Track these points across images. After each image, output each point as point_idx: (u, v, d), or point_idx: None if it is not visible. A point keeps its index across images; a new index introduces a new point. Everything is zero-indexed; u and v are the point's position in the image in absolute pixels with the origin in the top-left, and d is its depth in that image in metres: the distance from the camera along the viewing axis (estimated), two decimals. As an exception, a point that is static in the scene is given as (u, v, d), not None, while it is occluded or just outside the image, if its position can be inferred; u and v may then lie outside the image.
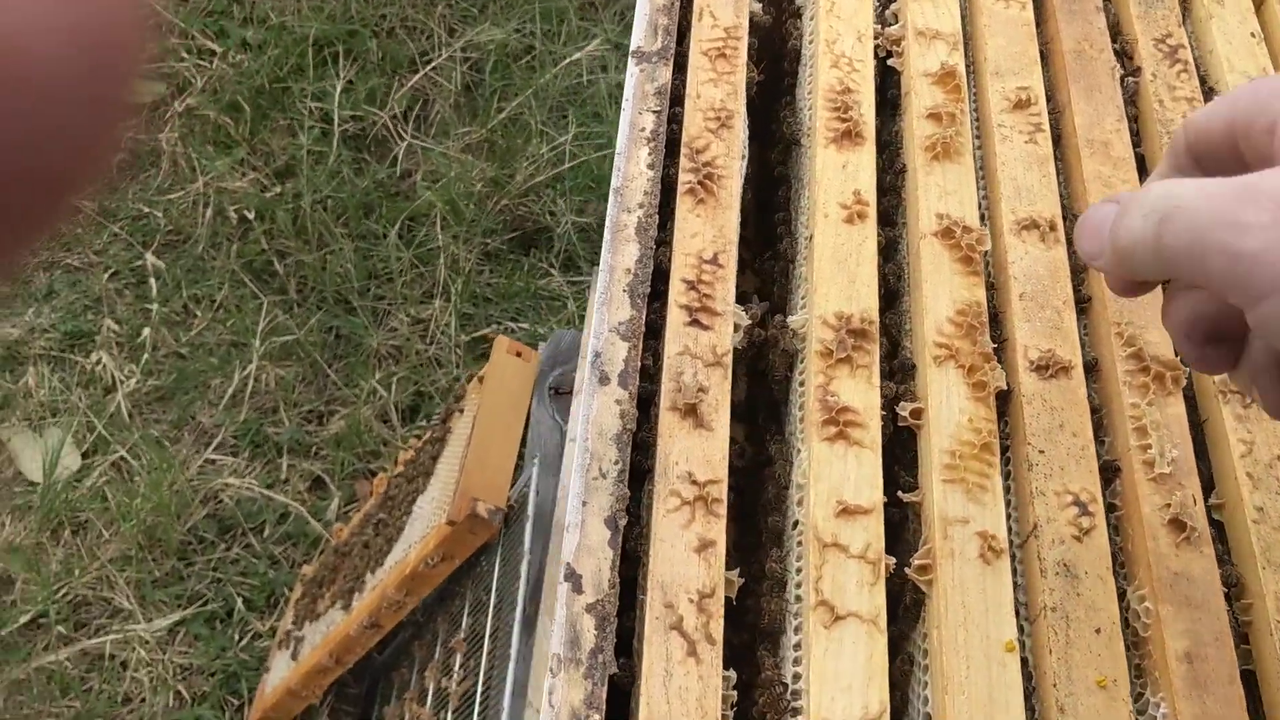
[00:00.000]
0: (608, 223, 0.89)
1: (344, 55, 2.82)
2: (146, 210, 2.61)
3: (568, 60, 2.78)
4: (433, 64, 2.82)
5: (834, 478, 0.77)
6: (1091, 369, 0.88)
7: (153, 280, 2.50)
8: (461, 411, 1.69)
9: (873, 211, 0.91)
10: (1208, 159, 0.57)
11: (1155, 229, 0.52)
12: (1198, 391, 0.88)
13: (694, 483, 0.76)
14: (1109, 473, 0.83)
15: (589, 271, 2.56)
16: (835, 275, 0.87)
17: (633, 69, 0.97)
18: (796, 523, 0.78)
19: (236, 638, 2.07)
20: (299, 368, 2.42)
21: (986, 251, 0.91)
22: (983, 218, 0.95)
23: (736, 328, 0.86)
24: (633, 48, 0.99)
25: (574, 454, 0.79)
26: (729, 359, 0.83)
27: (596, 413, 0.79)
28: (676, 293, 0.86)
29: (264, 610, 2.11)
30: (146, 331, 2.42)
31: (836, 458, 0.78)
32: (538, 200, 2.63)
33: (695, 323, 0.84)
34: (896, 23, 1.08)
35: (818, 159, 0.94)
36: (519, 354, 1.65)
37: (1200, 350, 0.58)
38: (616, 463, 0.77)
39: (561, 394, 1.64)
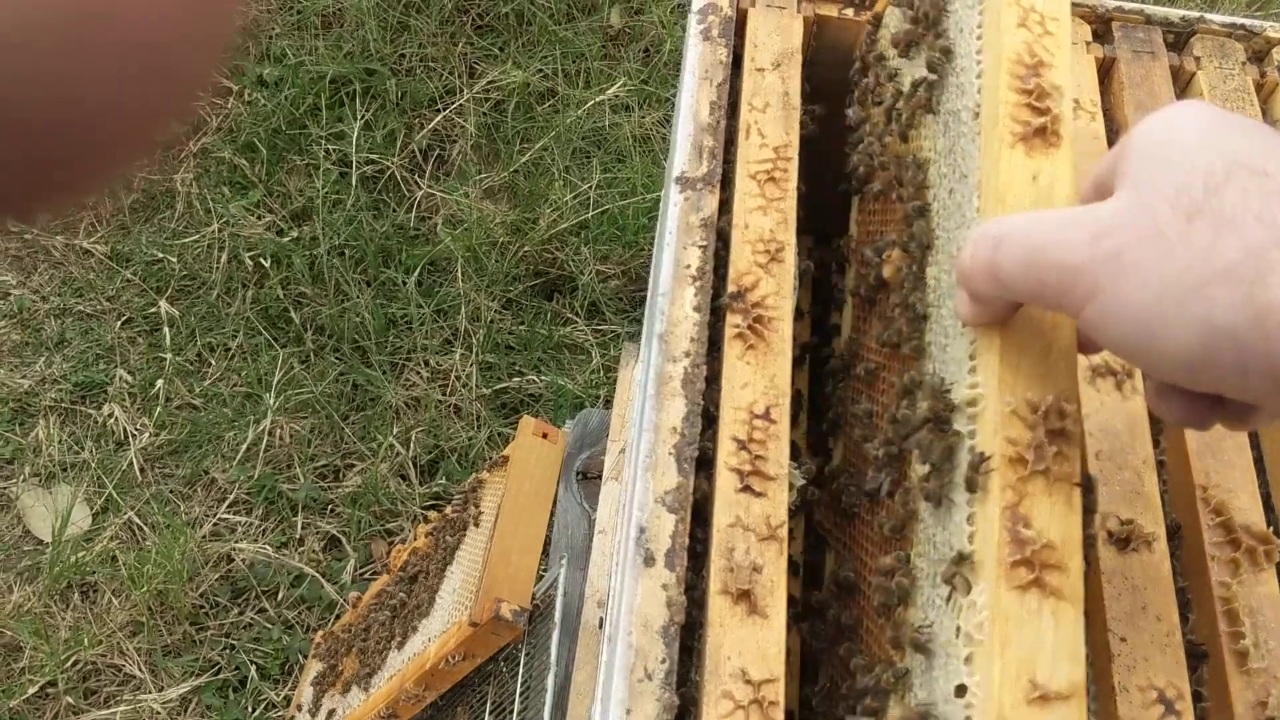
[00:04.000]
0: (651, 372, 0.83)
1: (362, 94, 2.77)
2: (161, 255, 2.56)
3: (590, 103, 2.72)
4: (454, 105, 2.76)
5: (1026, 644, 0.58)
6: (1174, 534, 0.82)
7: (166, 328, 2.45)
8: (484, 494, 1.63)
9: None
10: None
11: (990, 254, 0.60)
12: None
13: (748, 682, 0.70)
14: (1195, 657, 0.76)
15: (614, 320, 2.50)
16: (1029, 343, 0.64)
17: (676, 196, 0.91)
18: (964, 693, 0.61)
19: (250, 708, 2.01)
20: (315, 420, 2.37)
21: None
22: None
23: (791, 487, 0.80)
24: (675, 173, 0.92)
25: (613, 644, 0.72)
26: (784, 530, 0.77)
27: (641, 601, 0.72)
28: (726, 453, 0.80)
29: (278, 679, 2.05)
30: (160, 383, 2.37)
31: (1029, 615, 0.59)
32: (561, 247, 2.57)
33: (747, 489, 0.78)
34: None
35: (1000, 164, 0.68)
36: (545, 435, 1.59)
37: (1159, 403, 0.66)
38: (664, 661, 0.70)
39: (590, 479, 1.57)
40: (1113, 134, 1.02)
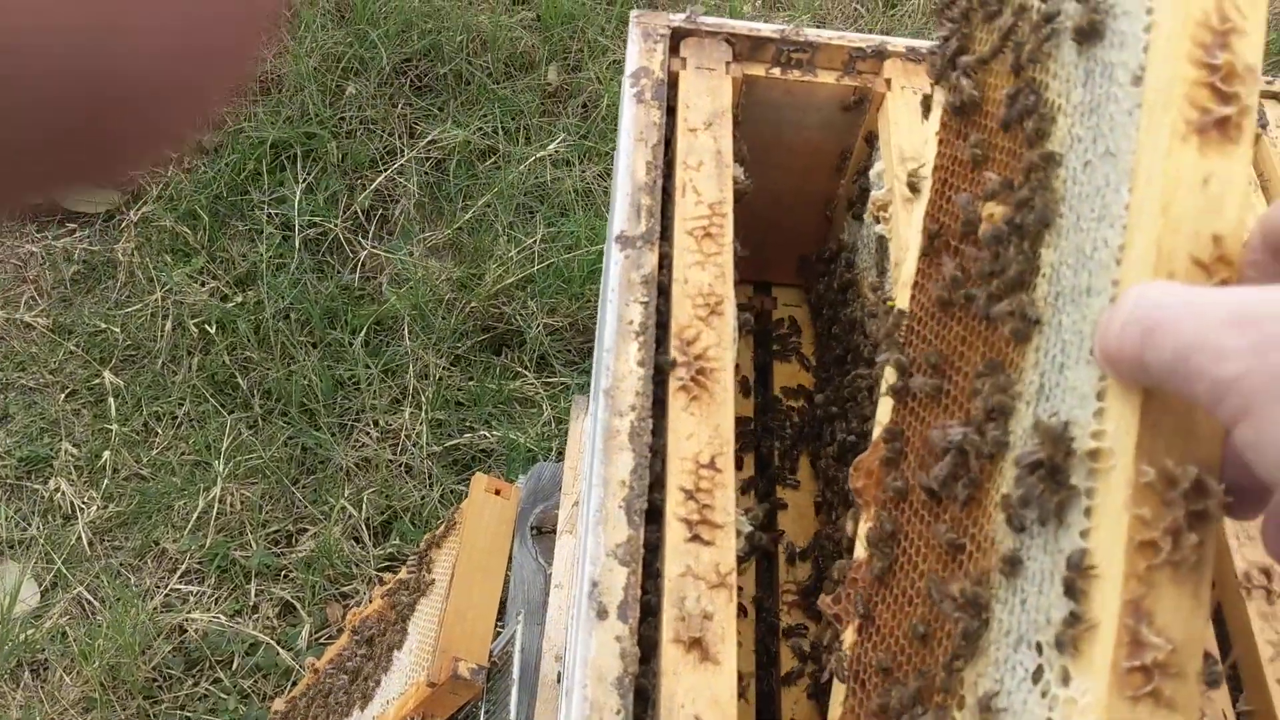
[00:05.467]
0: (599, 427, 0.85)
1: (303, 158, 2.78)
2: (104, 325, 2.54)
3: (531, 159, 2.75)
4: (395, 164, 2.78)
5: None
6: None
7: (111, 399, 2.43)
8: (438, 553, 1.63)
9: (1237, 280, 0.55)
10: None
11: (1139, 341, 0.52)
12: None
13: (704, 728, 0.72)
14: None
15: (563, 372, 2.51)
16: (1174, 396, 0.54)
17: (616, 255, 0.93)
18: None
19: (208, 781, 1.99)
20: (265, 485, 2.35)
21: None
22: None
23: (738, 534, 0.82)
24: (615, 231, 0.95)
25: (570, 697, 0.73)
26: (733, 578, 0.79)
27: (595, 653, 0.74)
28: (674, 503, 0.81)
29: (235, 750, 2.03)
30: (106, 454, 2.35)
31: None
32: (508, 302, 2.58)
33: (696, 538, 0.80)
34: (879, 188, 1.05)
35: (1169, 160, 0.56)
36: (498, 491, 1.60)
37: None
38: (619, 712, 0.72)
39: (544, 533, 1.58)
40: None
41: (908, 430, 0.78)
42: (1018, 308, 0.66)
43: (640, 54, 1.09)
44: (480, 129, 2.84)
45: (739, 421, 1.25)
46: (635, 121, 1.04)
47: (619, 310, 0.91)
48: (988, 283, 0.70)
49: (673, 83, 1.10)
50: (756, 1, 3.27)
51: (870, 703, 0.74)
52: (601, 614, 0.76)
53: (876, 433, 0.82)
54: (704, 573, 0.78)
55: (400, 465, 2.38)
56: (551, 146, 2.76)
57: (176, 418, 2.44)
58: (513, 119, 2.87)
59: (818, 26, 3.24)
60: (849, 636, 0.79)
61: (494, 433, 2.40)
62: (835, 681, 0.81)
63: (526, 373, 2.50)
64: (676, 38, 1.12)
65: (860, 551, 0.81)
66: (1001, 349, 0.68)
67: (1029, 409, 0.64)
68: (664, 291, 0.94)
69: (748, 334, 1.35)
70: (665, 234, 0.99)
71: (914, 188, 1.01)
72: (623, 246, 0.94)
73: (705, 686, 0.73)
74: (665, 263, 0.96)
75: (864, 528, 0.80)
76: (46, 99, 0.32)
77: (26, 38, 0.30)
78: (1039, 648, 0.59)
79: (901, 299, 0.83)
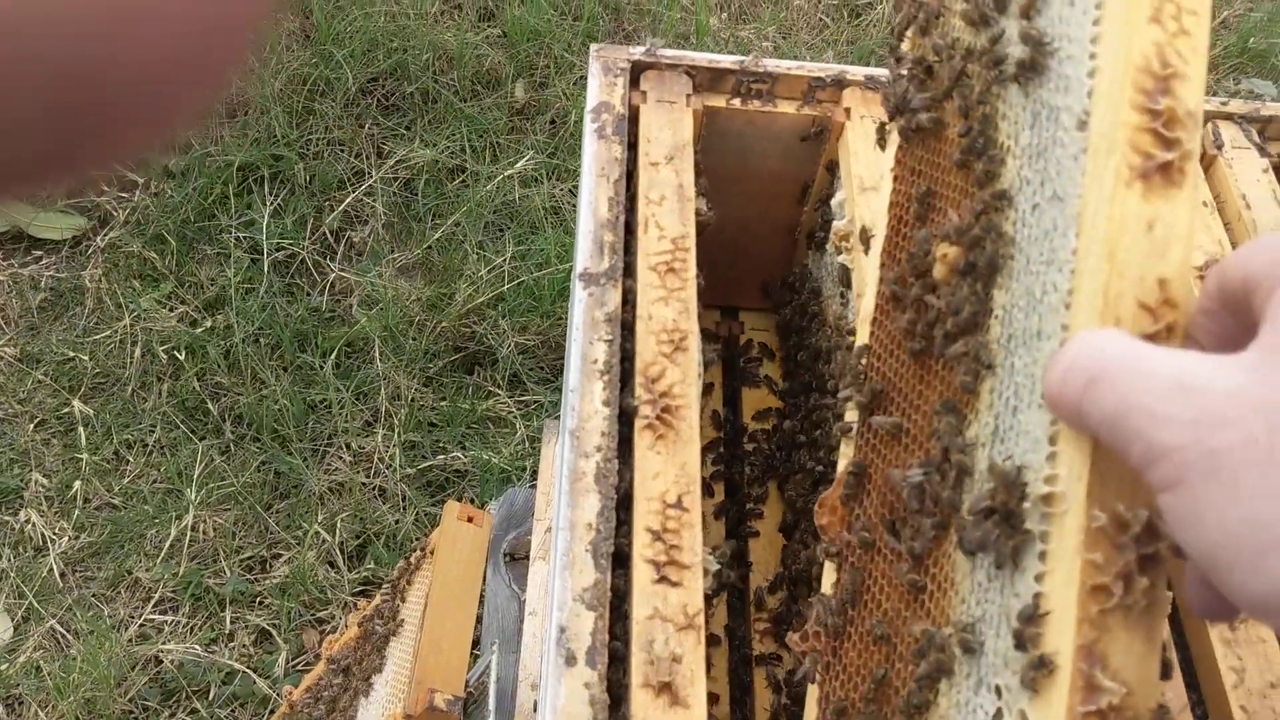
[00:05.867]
0: (565, 468, 0.85)
1: (271, 180, 2.77)
2: (72, 354, 2.53)
3: (500, 177, 2.75)
4: (364, 185, 2.78)
5: None
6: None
7: (81, 428, 2.42)
8: (412, 582, 1.63)
9: (1184, 323, 0.56)
10: (1233, 306, 0.55)
11: (1080, 390, 0.52)
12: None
13: (674, 773, 0.72)
14: None
15: (536, 390, 2.51)
16: None
17: (580, 293, 0.94)
18: None
19: (186, 813, 1.97)
20: (238, 512, 2.34)
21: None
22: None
23: (706, 573, 0.83)
24: (579, 269, 0.95)
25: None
26: (701, 618, 0.79)
27: (565, 700, 0.74)
28: (641, 545, 0.82)
29: (213, 781, 2.02)
30: (77, 484, 2.33)
31: None
32: (479, 321, 2.58)
33: (663, 580, 0.80)
34: (840, 217, 1.06)
35: (1113, 205, 0.57)
36: (470, 519, 1.59)
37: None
38: (591, 760, 0.72)
39: (518, 559, 1.58)
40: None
41: (870, 467, 0.79)
42: (972, 350, 0.67)
43: (601, 88, 1.10)
44: (448, 148, 2.84)
45: (711, 446, 1.26)
46: (597, 157, 1.05)
47: (583, 349, 0.91)
48: (942, 323, 0.70)
49: (634, 116, 1.10)
50: (723, 15, 3.28)
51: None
52: (570, 660, 0.76)
53: (841, 467, 0.83)
54: (672, 614, 0.79)
55: (374, 488, 2.38)
56: (520, 164, 2.76)
57: (147, 445, 2.42)
58: (480, 137, 2.87)
59: (783, 37, 3.25)
60: (817, 675, 0.79)
61: (467, 454, 2.39)
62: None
63: (499, 392, 2.50)
64: (637, 71, 1.12)
65: (827, 588, 0.81)
66: (957, 390, 0.68)
67: (984, 452, 0.65)
68: (629, 328, 0.95)
69: (717, 361, 1.35)
70: (630, 269, 0.99)
71: (866, 243, 1.01)
72: (586, 284, 0.95)
73: (675, 730, 0.74)
74: (630, 298, 0.97)
75: (828, 580, 0.81)
76: (37, 81, 0.33)
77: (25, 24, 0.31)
78: (998, 690, 0.60)
79: (862, 334, 0.84)
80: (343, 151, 2.85)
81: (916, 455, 0.72)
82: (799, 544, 1.13)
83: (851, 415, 0.82)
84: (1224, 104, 1.17)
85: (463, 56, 2.98)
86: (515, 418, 2.46)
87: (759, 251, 1.32)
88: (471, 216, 2.70)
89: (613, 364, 0.90)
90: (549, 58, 3.04)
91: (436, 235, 2.69)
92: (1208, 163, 1.13)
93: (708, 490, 1.21)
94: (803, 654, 0.81)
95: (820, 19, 3.31)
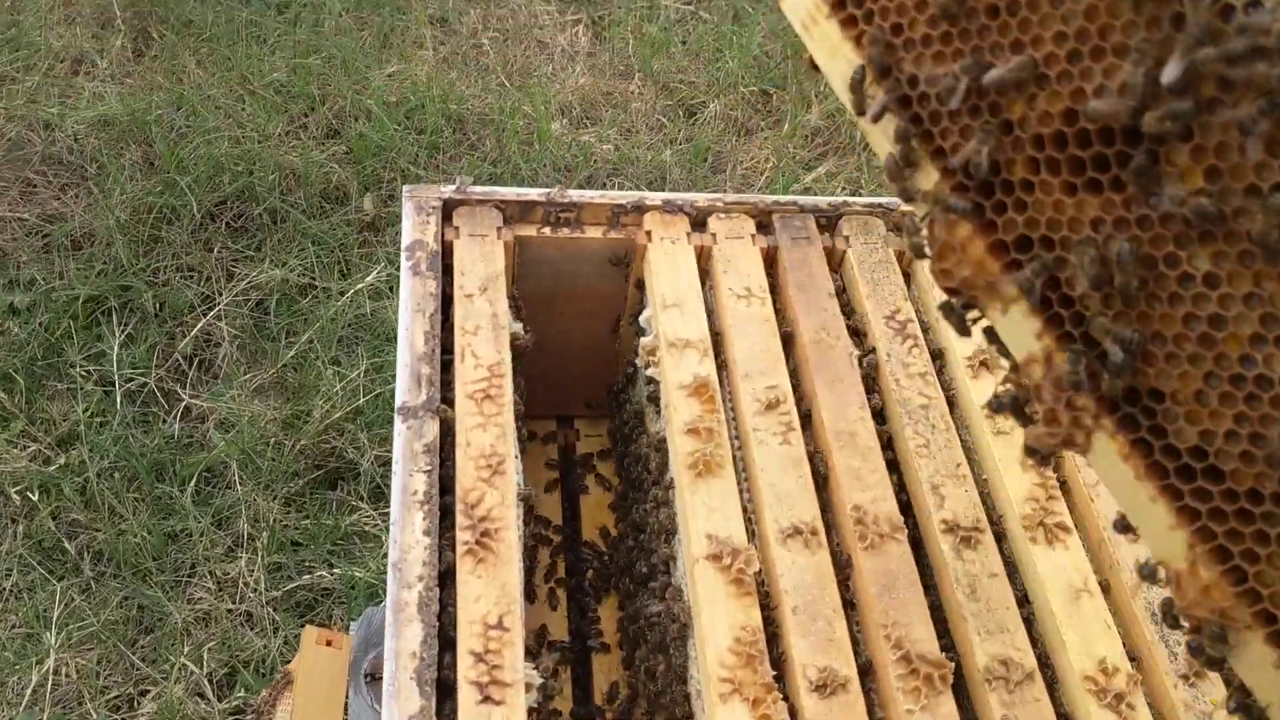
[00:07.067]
0: (389, 600, 0.90)
1: (119, 310, 2.76)
2: (-83, 503, 2.46)
3: (351, 292, 2.79)
4: (214, 310, 2.79)
5: None
6: (866, 673, 0.93)
7: (-70, 579, 2.35)
8: (275, 709, 1.64)
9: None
10: None
11: None
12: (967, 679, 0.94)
13: None
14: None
15: (398, 502, 2.53)
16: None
17: (399, 426, 0.99)
18: None
19: None
20: (102, 650, 2.30)
21: (758, 571, 0.95)
22: (751, 532, 1.00)
23: (529, 688, 0.88)
24: (398, 403, 1.01)
25: None
26: (524, 732, 0.84)
27: (396, 824, 0.78)
28: (465, 667, 0.87)
29: None
30: (-73, 638, 2.26)
31: None
32: (339, 436, 2.60)
33: (487, 699, 0.85)
34: (648, 333, 1.14)
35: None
36: (329, 642, 1.61)
37: None
38: None
39: (378, 679, 1.60)
40: (779, 313, 1.17)
41: None
42: None
43: (414, 227, 1.16)
44: (298, 265, 2.87)
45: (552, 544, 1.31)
46: (412, 293, 1.11)
47: (403, 481, 0.96)
48: None
49: (449, 251, 1.17)
50: (564, 120, 3.40)
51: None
52: (399, 785, 0.80)
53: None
54: (496, 731, 0.84)
55: (240, 614, 2.36)
56: (370, 277, 2.81)
57: (3, 590, 2.37)
58: (330, 253, 2.91)
59: (624, 138, 3.38)
60: None
61: (333, 571, 2.39)
62: None
63: (363, 505, 2.51)
64: (449, 208, 1.20)
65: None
66: None
67: None
68: (449, 455, 1.01)
69: (552, 467, 1.41)
70: (449, 398, 1.05)
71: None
72: (404, 418, 1.00)
73: (502, 842, 0.79)
74: (449, 427, 1.02)
75: None
76: None
77: None
78: None
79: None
80: (192, 277, 2.85)
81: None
82: (631, 657, 1.19)
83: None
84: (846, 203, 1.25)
85: (309, 175, 3.03)
86: (380, 530, 2.47)
87: (586, 364, 1.39)
88: (324, 333, 2.73)
89: (432, 494, 0.96)
90: (395, 170, 3.10)
91: (290, 354, 2.71)
92: (909, 260, 1.22)
93: (551, 599, 1.26)
94: None
95: (658, 119, 3.46)
